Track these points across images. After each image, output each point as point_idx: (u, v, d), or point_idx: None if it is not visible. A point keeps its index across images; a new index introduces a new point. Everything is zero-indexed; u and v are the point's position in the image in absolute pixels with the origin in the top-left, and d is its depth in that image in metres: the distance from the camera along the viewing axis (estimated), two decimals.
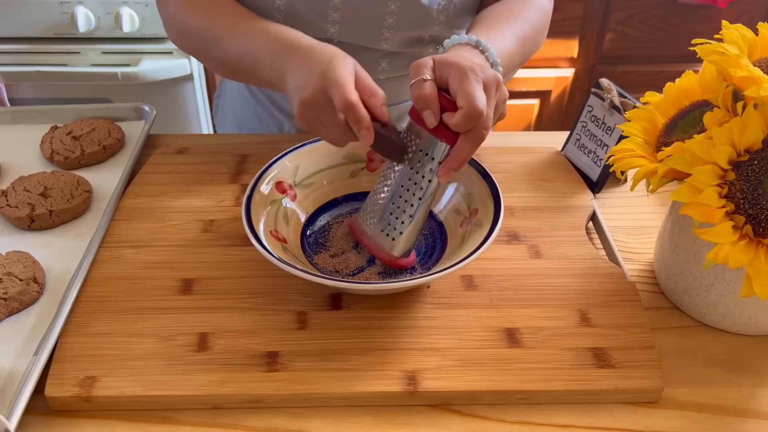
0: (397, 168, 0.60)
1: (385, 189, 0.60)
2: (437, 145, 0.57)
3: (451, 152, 0.56)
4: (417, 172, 0.58)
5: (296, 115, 0.59)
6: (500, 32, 0.67)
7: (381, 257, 0.61)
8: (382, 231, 0.60)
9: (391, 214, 0.60)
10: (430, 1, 0.74)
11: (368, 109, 0.57)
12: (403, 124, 0.86)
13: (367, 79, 0.59)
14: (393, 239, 0.60)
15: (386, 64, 0.80)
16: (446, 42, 0.63)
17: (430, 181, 0.58)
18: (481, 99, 0.54)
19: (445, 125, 0.55)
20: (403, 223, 0.59)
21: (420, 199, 0.59)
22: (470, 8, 0.78)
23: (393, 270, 0.63)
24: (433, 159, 0.57)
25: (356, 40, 0.77)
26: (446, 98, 0.55)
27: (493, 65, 0.61)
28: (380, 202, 0.61)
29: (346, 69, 0.57)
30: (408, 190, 0.59)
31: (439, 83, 0.56)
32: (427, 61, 0.57)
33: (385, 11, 0.74)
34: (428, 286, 0.62)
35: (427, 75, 0.56)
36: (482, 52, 0.61)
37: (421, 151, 0.58)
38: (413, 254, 0.62)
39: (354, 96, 0.55)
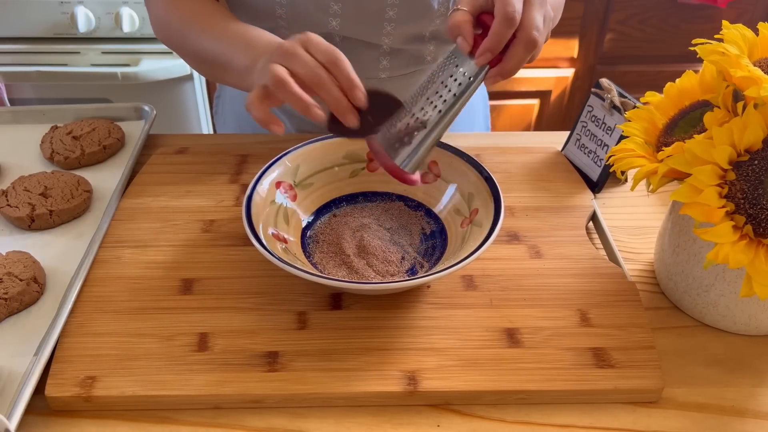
0: (428, 84, 0.58)
1: (411, 103, 0.58)
2: (469, 62, 0.55)
3: (505, 56, 0.55)
4: (445, 85, 0.56)
5: (256, 74, 0.60)
6: None
7: (387, 165, 0.59)
8: (395, 142, 0.58)
9: (407, 125, 0.58)
10: None
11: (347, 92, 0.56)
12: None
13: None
14: (402, 149, 0.58)
15: (387, 62, 0.80)
16: None
17: (455, 95, 0.56)
18: (517, 4, 0.52)
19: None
20: (415, 134, 0.57)
21: (440, 112, 0.56)
22: None
23: (391, 272, 0.63)
24: (464, 74, 0.56)
25: (358, 34, 0.77)
26: (491, 18, 0.54)
27: None
28: (403, 114, 0.59)
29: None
30: (431, 102, 0.57)
31: (486, 8, 0.55)
32: None
33: (386, 3, 0.74)
34: (428, 286, 0.62)
35: (461, 6, 0.55)
36: None
37: (457, 66, 0.56)
38: (418, 174, 0.60)
39: (338, 51, 0.56)
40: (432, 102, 0.57)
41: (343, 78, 0.56)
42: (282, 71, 0.56)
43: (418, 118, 0.57)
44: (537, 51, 0.56)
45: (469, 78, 0.56)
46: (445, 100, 0.56)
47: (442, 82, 0.56)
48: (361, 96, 0.56)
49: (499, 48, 0.54)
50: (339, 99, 0.56)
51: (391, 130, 0.58)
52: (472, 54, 0.55)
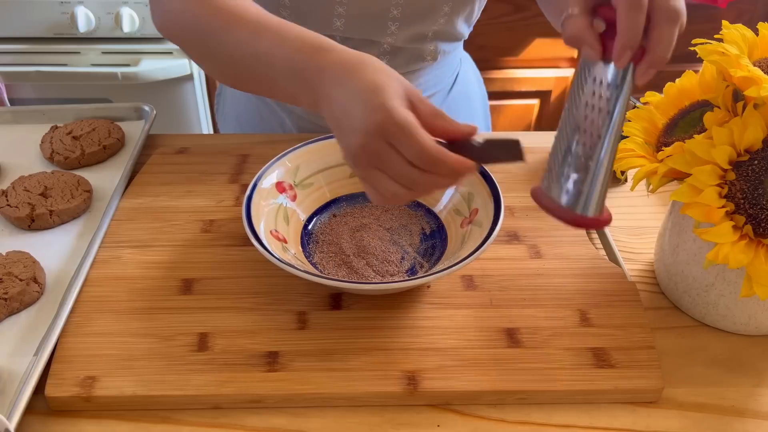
0: (571, 110, 0.50)
1: (562, 139, 0.50)
2: (609, 69, 0.47)
3: (649, 43, 0.46)
4: (592, 106, 0.48)
5: (349, 162, 0.49)
6: None
7: (566, 218, 0.50)
8: (564, 190, 0.49)
9: (569, 166, 0.49)
10: None
11: (441, 133, 0.48)
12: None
13: (420, 98, 0.49)
14: (575, 195, 0.49)
15: (387, 61, 0.80)
16: None
17: (608, 112, 0.47)
18: None
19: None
20: (583, 173, 0.48)
21: (600, 137, 0.47)
22: None
23: (391, 272, 0.63)
24: (608, 85, 0.47)
25: (361, 34, 0.76)
26: (612, 9, 0.46)
27: None
28: (558, 156, 0.50)
29: (401, 100, 0.47)
30: (585, 131, 0.48)
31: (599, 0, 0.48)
32: None
33: (391, 2, 0.74)
34: (428, 286, 0.62)
35: (571, 10, 0.48)
36: None
37: (595, 79, 0.48)
38: (607, 211, 0.50)
39: (432, 146, 0.46)
40: (586, 131, 0.48)
41: (449, 175, 0.47)
42: (382, 197, 0.49)
43: (578, 154, 0.49)
44: (683, 19, 0.46)
45: (615, 86, 0.47)
46: (600, 123, 0.48)
47: (586, 104, 0.48)
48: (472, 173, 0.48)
49: (637, 39, 0.45)
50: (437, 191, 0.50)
51: (553, 178, 0.50)
52: (606, 59, 0.47)
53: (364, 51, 0.77)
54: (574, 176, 0.49)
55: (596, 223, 0.50)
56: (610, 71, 0.47)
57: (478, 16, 0.83)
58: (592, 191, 0.49)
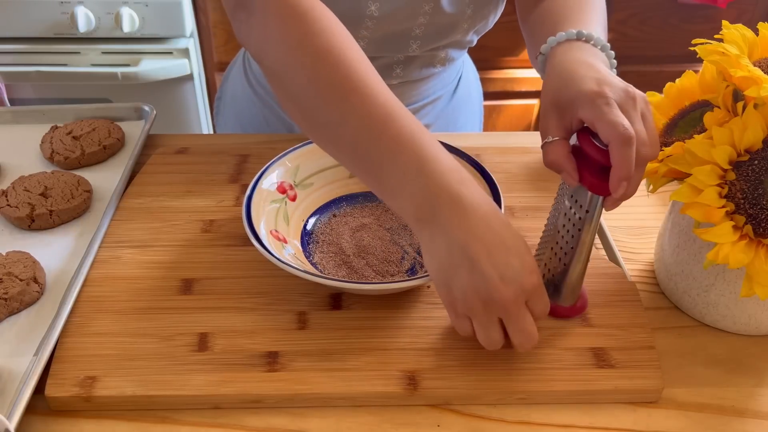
0: (555, 214, 0.57)
1: (546, 236, 0.58)
2: (584, 194, 0.53)
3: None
4: (569, 220, 0.55)
5: (472, 304, 0.48)
6: (588, 24, 0.60)
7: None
8: (544, 278, 0.57)
9: (549, 262, 0.57)
10: (457, 9, 0.74)
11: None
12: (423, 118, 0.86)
13: None
14: (553, 287, 0.57)
15: (401, 70, 0.81)
16: (544, 48, 0.59)
17: (579, 230, 0.54)
18: (623, 120, 0.49)
19: (593, 173, 0.52)
20: (563, 271, 0.56)
21: (573, 248, 0.55)
22: (491, 8, 0.78)
23: (391, 272, 0.63)
24: (581, 207, 0.53)
25: (381, 53, 0.77)
26: (592, 144, 0.52)
27: (603, 49, 0.57)
28: (541, 247, 0.58)
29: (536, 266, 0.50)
30: (563, 237, 0.55)
31: (579, 123, 0.53)
32: (548, 118, 0.54)
33: (415, 23, 0.74)
34: (428, 286, 0.62)
35: (551, 137, 0.53)
36: (587, 41, 0.57)
37: (572, 197, 0.54)
38: (582, 300, 0.59)
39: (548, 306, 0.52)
40: (563, 237, 0.55)
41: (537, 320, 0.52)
42: (492, 342, 0.50)
43: (555, 254, 0.56)
44: (653, 158, 0.52)
45: (587, 209, 0.53)
46: (574, 235, 0.55)
47: (564, 215, 0.55)
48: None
49: (631, 171, 0.50)
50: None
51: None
52: (581, 184, 0.53)
53: (379, 63, 0.77)
54: (551, 272, 0.57)
55: (570, 312, 0.58)
56: (584, 196, 0.53)
57: (490, 27, 0.83)
58: (568, 286, 0.57)
